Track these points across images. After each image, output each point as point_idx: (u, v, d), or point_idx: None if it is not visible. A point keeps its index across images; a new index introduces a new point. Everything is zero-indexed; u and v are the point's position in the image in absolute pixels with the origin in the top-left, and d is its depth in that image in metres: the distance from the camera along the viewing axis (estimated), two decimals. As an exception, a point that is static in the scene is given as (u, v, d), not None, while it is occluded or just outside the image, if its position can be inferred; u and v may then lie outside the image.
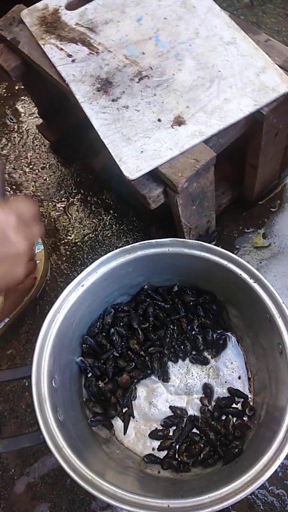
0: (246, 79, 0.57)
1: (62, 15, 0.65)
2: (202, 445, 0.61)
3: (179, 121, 0.57)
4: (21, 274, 0.50)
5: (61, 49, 0.63)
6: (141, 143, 0.56)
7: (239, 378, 0.66)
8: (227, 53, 0.59)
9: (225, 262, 0.58)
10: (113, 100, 0.59)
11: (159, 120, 0.57)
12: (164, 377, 0.66)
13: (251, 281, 0.57)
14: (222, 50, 0.59)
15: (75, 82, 0.61)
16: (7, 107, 1.01)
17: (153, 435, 0.64)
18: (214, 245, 0.58)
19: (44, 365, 0.55)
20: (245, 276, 0.57)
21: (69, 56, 0.63)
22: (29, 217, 0.50)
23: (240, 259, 0.57)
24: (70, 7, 0.66)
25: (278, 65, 0.58)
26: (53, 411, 0.53)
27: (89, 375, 0.65)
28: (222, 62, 0.59)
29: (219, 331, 0.68)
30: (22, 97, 1.02)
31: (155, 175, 0.56)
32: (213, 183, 0.60)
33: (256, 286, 0.56)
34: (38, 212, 0.53)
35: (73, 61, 0.62)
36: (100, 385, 0.65)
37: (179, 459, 0.61)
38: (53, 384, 0.55)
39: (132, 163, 0.55)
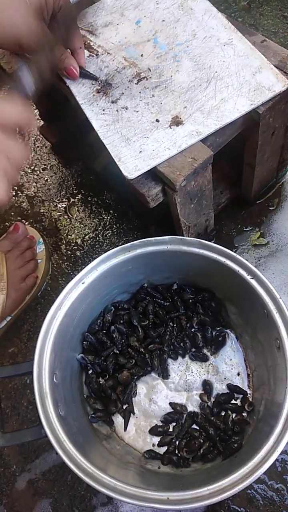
0: (242, 79, 0.59)
1: (62, 18, 0.66)
2: (201, 441, 0.62)
3: (177, 121, 0.58)
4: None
5: (61, 51, 0.64)
6: (139, 143, 0.57)
7: (238, 374, 0.67)
8: (224, 54, 0.60)
9: (223, 259, 0.59)
10: (112, 102, 0.61)
11: (157, 120, 0.59)
12: (164, 374, 0.67)
13: (248, 277, 0.57)
14: (219, 51, 0.61)
15: (76, 84, 0.62)
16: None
17: (153, 431, 0.65)
18: (213, 243, 0.59)
19: (45, 360, 0.56)
20: (242, 272, 0.58)
21: (69, 58, 0.64)
22: (11, 125, 0.41)
23: (238, 256, 0.58)
24: (70, 10, 0.67)
25: (274, 65, 0.59)
26: (55, 406, 0.54)
27: (90, 371, 0.66)
28: (219, 62, 0.60)
29: (218, 328, 0.69)
30: (23, 100, 1.04)
31: (153, 174, 0.57)
32: (211, 182, 0.61)
33: (253, 282, 0.57)
34: (29, 121, 0.44)
35: (73, 63, 0.63)
36: (101, 382, 0.66)
37: (179, 455, 0.62)
38: (54, 380, 0.56)
39: (131, 163, 0.56)
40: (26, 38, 0.53)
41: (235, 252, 0.59)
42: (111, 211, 0.87)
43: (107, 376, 0.66)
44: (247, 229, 0.81)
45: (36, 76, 0.49)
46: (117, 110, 0.60)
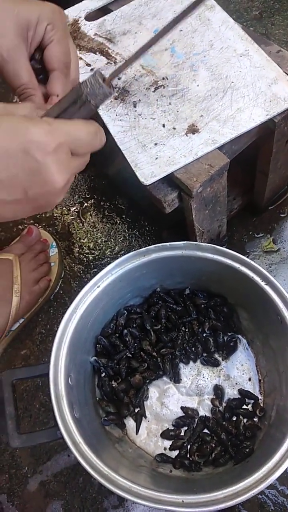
0: (258, 90, 0.60)
1: (81, 25, 0.68)
2: (213, 445, 0.62)
3: (193, 129, 0.59)
4: (55, 203, 0.40)
5: (80, 58, 0.66)
6: (156, 150, 0.58)
7: (250, 379, 0.68)
8: (240, 65, 0.61)
9: (237, 265, 0.60)
10: (129, 108, 0.62)
11: (173, 128, 0.60)
12: (176, 378, 0.68)
13: (262, 284, 0.58)
14: (235, 61, 0.62)
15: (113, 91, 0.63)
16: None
17: (165, 435, 0.65)
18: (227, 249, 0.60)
19: (61, 363, 0.56)
20: (257, 278, 0.59)
21: (88, 65, 0.65)
22: (81, 144, 0.39)
23: (252, 262, 0.59)
24: (89, 18, 0.69)
25: (290, 76, 0.60)
26: (70, 408, 0.54)
27: (103, 375, 0.67)
28: (235, 73, 0.61)
29: (229, 334, 0.70)
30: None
31: (170, 180, 0.58)
32: (225, 188, 0.62)
33: (267, 288, 0.58)
34: (98, 140, 0.41)
35: (91, 70, 0.65)
36: (113, 385, 0.67)
37: (191, 459, 0.63)
38: (70, 382, 0.57)
39: (147, 169, 0.57)
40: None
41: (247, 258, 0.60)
42: (124, 216, 0.88)
43: (120, 380, 0.67)
44: (259, 236, 0.81)
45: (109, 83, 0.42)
46: (134, 117, 0.61)
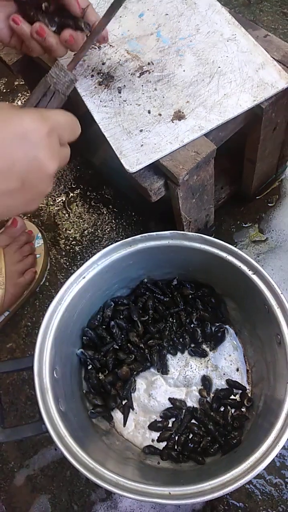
0: (245, 75, 0.58)
1: (63, 10, 0.66)
2: (201, 436, 0.62)
3: (179, 116, 0.58)
4: (44, 195, 0.41)
5: (63, 43, 0.64)
6: (141, 136, 0.57)
7: (237, 370, 0.67)
8: (227, 50, 0.60)
9: (224, 254, 0.59)
10: (114, 94, 0.60)
11: (159, 114, 0.58)
12: (163, 370, 0.67)
13: (250, 273, 0.57)
14: (222, 46, 0.60)
15: (78, 76, 0.62)
16: (6, 103, 1.02)
17: (153, 426, 0.65)
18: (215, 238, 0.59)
19: (46, 355, 0.55)
20: (244, 268, 0.58)
21: (71, 50, 0.63)
22: (66, 133, 0.41)
23: (239, 251, 0.58)
24: (71, 2, 0.67)
25: (277, 60, 0.59)
26: (55, 401, 0.53)
27: (89, 367, 0.66)
28: (222, 58, 0.60)
29: (217, 324, 0.69)
30: (22, 93, 1.03)
31: (156, 168, 0.57)
32: (212, 177, 0.61)
33: (255, 277, 0.57)
34: (77, 129, 0.43)
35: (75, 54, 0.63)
36: (100, 377, 0.66)
37: (178, 450, 0.62)
38: (55, 375, 0.56)
39: (133, 156, 0.56)
40: None
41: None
42: (110, 206, 0.86)
43: (107, 372, 0.66)
44: (246, 225, 0.81)
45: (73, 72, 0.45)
46: (119, 103, 0.60)
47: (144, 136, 0.57)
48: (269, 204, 0.81)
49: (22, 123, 0.36)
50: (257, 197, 0.82)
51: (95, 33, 0.50)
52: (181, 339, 0.68)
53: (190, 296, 0.69)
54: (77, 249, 0.84)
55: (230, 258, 0.59)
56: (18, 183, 0.37)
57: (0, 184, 0.36)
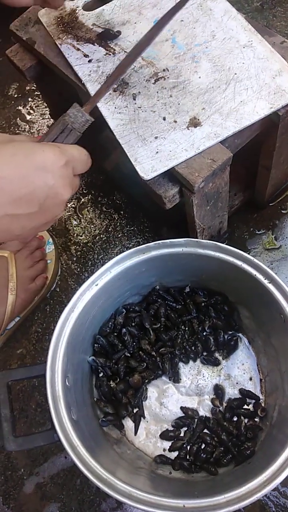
0: (262, 82, 0.58)
1: (79, 15, 0.65)
2: (213, 446, 0.61)
3: (194, 123, 0.57)
4: (57, 218, 0.48)
5: (78, 49, 0.63)
6: (156, 143, 0.57)
7: (251, 379, 0.66)
8: (244, 56, 0.59)
9: (239, 263, 0.58)
10: (129, 101, 0.60)
11: (175, 121, 0.58)
12: (175, 378, 0.66)
13: (265, 282, 0.57)
14: (238, 52, 0.60)
15: (92, 82, 0.62)
16: (18, 107, 1.02)
17: (164, 436, 0.64)
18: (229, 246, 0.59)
19: (58, 363, 0.55)
20: (259, 276, 0.57)
21: (86, 56, 0.63)
22: (79, 165, 0.47)
23: (255, 260, 0.57)
24: (87, 8, 0.66)
25: (294, 67, 0.58)
26: (67, 410, 0.53)
27: (101, 375, 0.65)
28: (238, 64, 0.59)
29: (230, 332, 0.68)
30: (33, 98, 1.03)
31: (171, 175, 0.56)
32: (228, 184, 0.61)
33: (270, 286, 0.56)
34: (88, 163, 0.49)
35: (89, 61, 0.62)
36: (112, 385, 0.65)
37: (190, 460, 0.61)
38: (67, 383, 0.55)
39: (148, 163, 0.56)
40: None
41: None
42: (122, 212, 0.86)
43: (118, 379, 0.65)
44: (260, 232, 0.80)
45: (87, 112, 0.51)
46: (134, 110, 0.59)
47: (159, 143, 0.56)
48: (282, 211, 0.80)
49: (44, 156, 0.42)
50: (270, 204, 0.81)
51: (112, 80, 0.54)
52: (193, 347, 0.68)
53: (203, 304, 0.68)
54: (88, 254, 0.83)
55: (245, 266, 0.58)
56: (36, 208, 0.42)
57: (22, 208, 0.41)
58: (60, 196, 0.43)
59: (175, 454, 0.63)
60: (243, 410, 0.64)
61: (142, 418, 0.65)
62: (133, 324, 0.68)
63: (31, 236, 0.45)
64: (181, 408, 0.65)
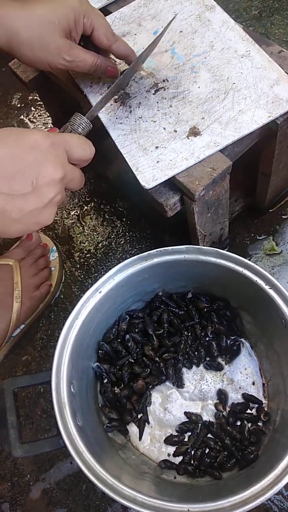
0: (260, 91, 0.59)
1: (79, 29, 0.67)
2: (217, 450, 0.62)
3: (194, 132, 0.58)
4: (56, 204, 0.46)
5: (79, 61, 0.65)
6: (157, 153, 0.58)
7: (253, 383, 0.67)
8: (242, 66, 0.61)
9: (240, 269, 0.59)
10: (130, 111, 0.61)
11: (175, 131, 0.59)
12: (179, 383, 0.67)
13: (266, 287, 0.57)
14: (236, 62, 0.61)
15: (93, 94, 0.63)
16: (21, 117, 1.03)
17: (168, 441, 0.65)
18: (228, 252, 0.59)
19: (63, 370, 0.56)
20: (260, 282, 0.58)
21: (87, 68, 0.64)
22: (74, 149, 0.48)
23: (256, 266, 0.58)
24: (87, 21, 0.68)
25: (292, 76, 0.59)
26: (73, 416, 0.54)
27: (105, 381, 0.66)
28: (236, 74, 0.60)
29: (233, 338, 0.69)
30: (36, 107, 1.04)
31: (172, 184, 0.57)
32: (228, 191, 0.62)
33: (271, 292, 0.57)
34: (87, 147, 0.50)
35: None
36: (116, 391, 0.66)
37: (195, 465, 0.62)
38: (72, 390, 0.56)
39: (149, 172, 0.57)
40: (53, 57, 0.54)
41: (249, 261, 0.59)
42: (124, 219, 0.87)
43: (122, 385, 0.66)
44: (261, 238, 0.81)
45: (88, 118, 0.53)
46: (134, 120, 0.60)
47: (160, 153, 0.57)
48: (283, 217, 0.81)
49: (33, 137, 0.44)
50: (271, 210, 0.82)
51: (111, 93, 0.57)
52: (196, 353, 0.68)
53: (205, 309, 0.69)
54: (91, 261, 0.84)
55: (246, 272, 0.59)
56: (30, 187, 0.43)
57: (16, 186, 0.43)
58: (50, 174, 0.44)
59: (180, 459, 0.63)
60: (246, 415, 0.64)
61: (146, 424, 0.66)
62: (136, 330, 0.68)
63: (32, 226, 0.45)
64: (185, 413, 0.66)
